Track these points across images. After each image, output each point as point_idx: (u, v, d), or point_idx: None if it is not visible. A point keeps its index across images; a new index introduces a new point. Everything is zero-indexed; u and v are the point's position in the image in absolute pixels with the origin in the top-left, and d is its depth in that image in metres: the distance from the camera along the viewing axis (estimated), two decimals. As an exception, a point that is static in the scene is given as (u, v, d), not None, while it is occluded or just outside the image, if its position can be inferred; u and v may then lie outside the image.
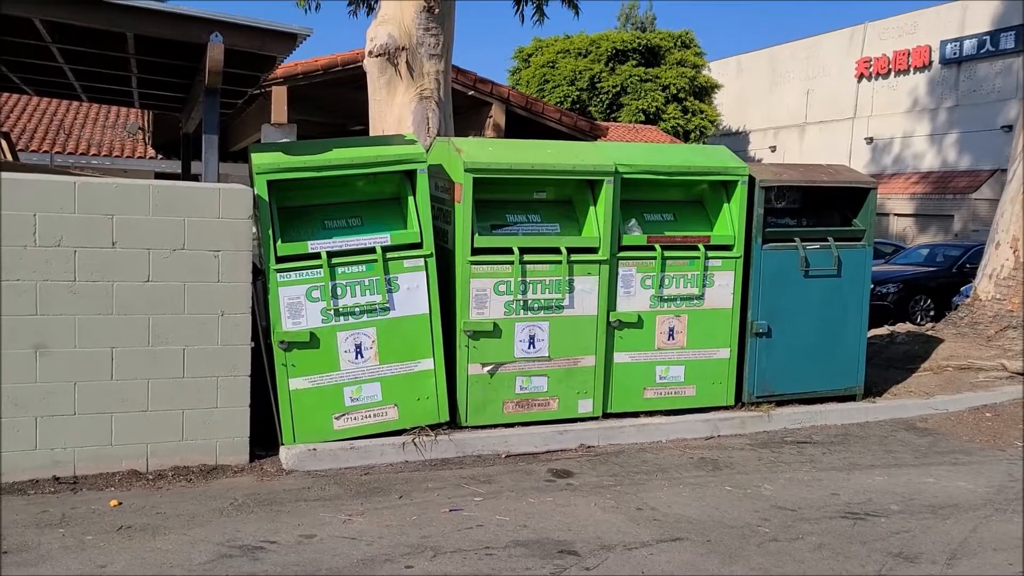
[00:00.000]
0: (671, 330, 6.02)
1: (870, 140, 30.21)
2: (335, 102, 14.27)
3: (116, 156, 17.97)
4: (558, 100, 31.43)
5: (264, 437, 5.16)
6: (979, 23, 26.82)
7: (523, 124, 15.37)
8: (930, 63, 28.46)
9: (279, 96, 13.27)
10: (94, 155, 17.68)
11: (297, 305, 5.10)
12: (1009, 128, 25.15)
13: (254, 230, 5.06)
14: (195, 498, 4.48)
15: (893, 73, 29.67)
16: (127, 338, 4.68)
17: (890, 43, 29.68)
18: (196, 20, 4.62)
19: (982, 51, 26.72)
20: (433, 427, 5.42)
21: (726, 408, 6.23)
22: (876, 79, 30.26)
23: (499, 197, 5.71)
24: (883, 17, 30.36)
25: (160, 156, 17.97)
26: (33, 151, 16.94)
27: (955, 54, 27.58)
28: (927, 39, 28.47)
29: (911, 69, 29.07)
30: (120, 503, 4.35)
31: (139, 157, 18.13)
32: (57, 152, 17.36)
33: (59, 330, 4.56)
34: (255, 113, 14.40)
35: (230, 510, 4.32)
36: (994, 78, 26.59)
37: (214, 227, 4.81)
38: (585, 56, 33.00)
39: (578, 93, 32.30)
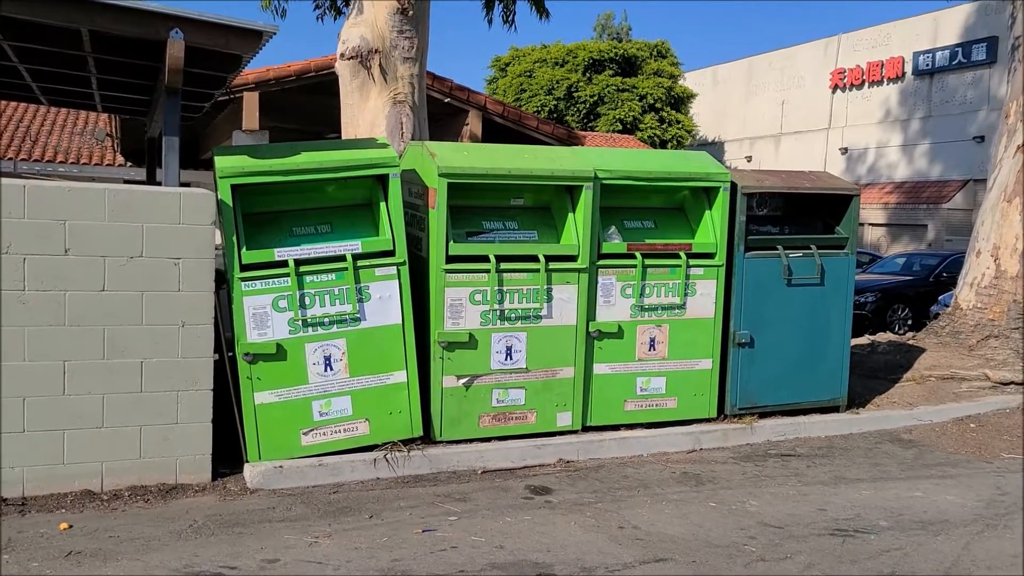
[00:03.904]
0: (652, 340, 5.85)
1: (845, 150, 30.40)
2: (310, 109, 14.02)
3: (84, 163, 17.58)
4: (535, 109, 31.33)
5: (228, 454, 4.91)
6: (951, 35, 27.12)
7: (500, 132, 15.21)
8: (903, 74, 28.72)
9: (251, 101, 13.01)
10: (61, 162, 17.28)
11: (263, 315, 4.87)
12: (980, 139, 25.39)
13: (218, 237, 4.83)
14: (152, 520, 4.23)
15: (867, 84, 29.90)
16: (81, 350, 4.43)
17: (864, 54, 29.93)
18: (154, 15, 4.39)
19: (954, 62, 26.99)
20: (406, 442, 5.20)
21: (708, 420, 6.07)
22: (850, 90, 30.48)
23: (475, 203, 5.53)
24: (857, 29, 30.65)
25: (130, 163, 17.57)
26: (-3, 158, 16.52)
27: (927, 65, 27.85)
28: (900, 50, 28.73)
29: (884, 80, 29.32)
30: (71, 526, 4.09)
31: (108, 164, 17.74)
32: (23, 159, 16.93)
33: (7, 342, 4.29)
34: (227, 119, 14.11)
35: (189, 533, 4.07)
36: (965, 89, 26.86)
37: (174, 234, 4.58)
38: (562, 66, 32.95)
39: (555, 102, 32.23)
